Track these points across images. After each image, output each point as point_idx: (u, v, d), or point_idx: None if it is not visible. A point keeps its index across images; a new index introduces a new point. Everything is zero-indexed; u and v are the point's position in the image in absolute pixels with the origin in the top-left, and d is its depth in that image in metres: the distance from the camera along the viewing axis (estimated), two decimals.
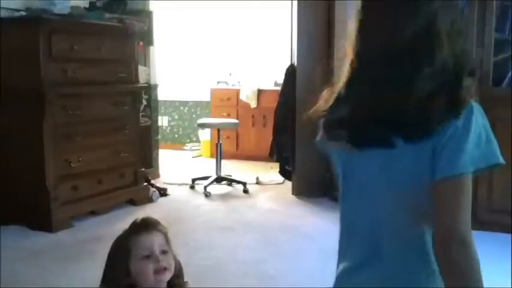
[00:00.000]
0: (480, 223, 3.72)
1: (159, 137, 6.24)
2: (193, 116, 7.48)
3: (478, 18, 3.65)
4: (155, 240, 1.51)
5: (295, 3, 4.84)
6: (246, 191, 5.11)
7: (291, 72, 4.93)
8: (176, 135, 7.64)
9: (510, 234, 3.59)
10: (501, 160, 1.04)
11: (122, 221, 4.10)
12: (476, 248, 0.99)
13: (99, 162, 4.23)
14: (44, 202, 3.82)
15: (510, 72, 3.69)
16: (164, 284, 1.51)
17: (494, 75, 3.68)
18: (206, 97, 7.13)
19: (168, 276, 1.50)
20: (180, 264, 1.58)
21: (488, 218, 3.73)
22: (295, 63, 4.86)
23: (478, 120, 1.04)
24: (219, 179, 5.27)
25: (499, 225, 3.69)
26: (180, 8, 7.23)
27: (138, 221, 1.58)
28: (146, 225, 1.55)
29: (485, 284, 1.00)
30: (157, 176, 5.57)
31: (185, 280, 1.61)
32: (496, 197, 3.74)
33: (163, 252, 1.51)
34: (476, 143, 1.02)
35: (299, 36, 4.80)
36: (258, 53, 6.97)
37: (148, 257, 1.48)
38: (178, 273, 1.56)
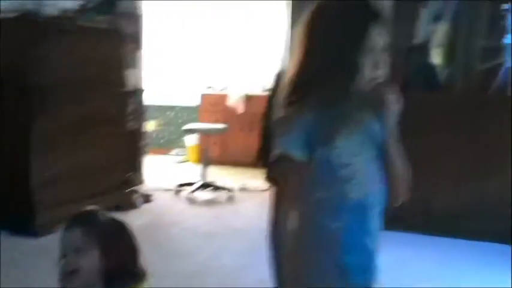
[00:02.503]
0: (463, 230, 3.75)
1: (146, 141, 6.18)
2: (180, 121, 7.43)
3: (467, 25, 3.67)
4: (67, 239, 1.39)
5: (290, 7, 4.81)
6: (231, 197, 5.07)
7: (280, 77, 4.90)
8: (162, 140, 7.58)
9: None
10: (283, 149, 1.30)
11: None
12: None
13: (84, 166, 4.17)
14: (28, 206, 3.75)
15: (497, 80, 3.71)
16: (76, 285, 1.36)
17: (481, 83, 3.70)
18: (194, 102, 7.09)
19: (78, 279, 1.36)
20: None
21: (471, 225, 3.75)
22: (285, 69, 4.83)
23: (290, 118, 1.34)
24: (204, 185, 5.23)
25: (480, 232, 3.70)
26: (169, 11, 7.20)
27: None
28: (71, 220, 1.42)
29: None
30: (142, 181, 5.51)
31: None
32: (481, 203, 3.75)
33: (77, 250, 1.36)
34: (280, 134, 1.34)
35: (289, 41, 4.78)
36: (247, 57, 6.96)
37: (64, 256, 1.38)
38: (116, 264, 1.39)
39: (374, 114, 1.36)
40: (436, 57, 3.86)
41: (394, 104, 1.33)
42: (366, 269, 1.35)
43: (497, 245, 3.62)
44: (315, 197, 1.31)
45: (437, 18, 3.84)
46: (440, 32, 3.82)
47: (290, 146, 1.29)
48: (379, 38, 1.31)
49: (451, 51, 3.82)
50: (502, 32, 3.71)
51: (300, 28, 1.36)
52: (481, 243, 3.67)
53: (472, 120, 3.75)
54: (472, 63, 3.69)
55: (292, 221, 1.35)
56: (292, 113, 1.30)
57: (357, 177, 1.31)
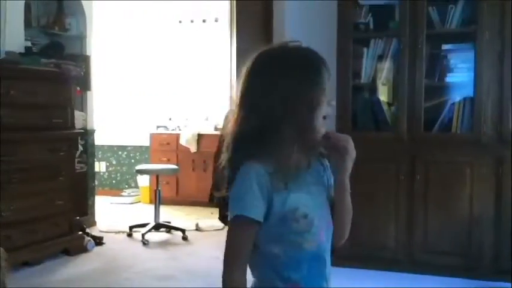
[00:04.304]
0: (416, 264, 3.81)
1: (96, 183, 6.08)
2: (132, 161, 7.36)
3: (409, 65, 3.80)
4: None
5: (234, 49, 4.91)
6: (185, 238, 5.01)
7: (230, 116, 4.95)
8: (114, 181, 7.47)
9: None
10: (238, 213, 1.29)
11: (54, 272, 3.94)
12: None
13: (32, 210, 4.06)
14: None
15: (441, 117, 3.84)
16: None
17: (426, 120, 3.82)
18: (145, 142, 7.05)
19: None
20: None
21: (424, 260, 3.82)
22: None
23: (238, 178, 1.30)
24: (157, 226, 5.16)
25: (434, 266, 3.77)
26: (118, 52, 7.20)
27: None
28: None
29: None
30: (93, 224, 5.41)
31: None
32: (431, 238, 3.83)
33: None
34: (234, 197, 1.30)
35: (238, 81, 4.84)
36: (198, 97, 7.00)
37: None
38: None
39: (329, 161, 1.41)
40: (382, 96, 3.98)
41: (351, 150, 1.37)
42: None
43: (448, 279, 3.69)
44: (272, 252, 1.32)
45: (380, 57, 3.97)
46: (384, 71, 3.95)
47: (247, 210, 1.28)
48: (327, 80, 1.34)
49: (395, 89, 3.94)
50: (444, 71, 3.86)
51: (244, 81, 1.37)
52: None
53: (421, 156, 3.86)
54: (416, 101, 3.81)
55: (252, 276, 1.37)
56: (246, 172, 1.30)
57: (313, 227, 1.32)
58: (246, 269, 1.33)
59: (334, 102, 1.37)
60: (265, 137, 1.30)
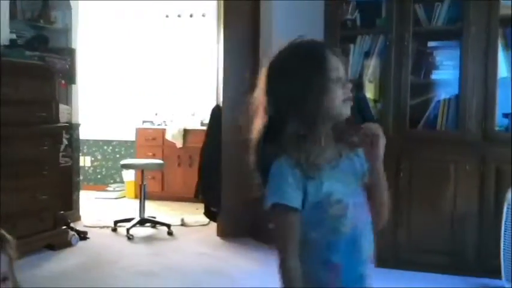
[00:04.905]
0: (401, 261, 3.83)
1: (81, 177, 6.04)
2: (118, 155, 7.32)
3: (395, 62, 3.82)
4: None
5: (221, 44, 4.90)
6: (170, 233, 5.00)
7: (216, 112, 4.95)
8: (99, 176, 7.42)
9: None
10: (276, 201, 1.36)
11: (37, 267, 3.90)
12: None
13: (15, 205, 4.01)
14: None
15: (426, 115, 3.86)
16: None
17: (411, 117, 3.84)
18: (131, 136, 7.01)
19: None
20: None
21: (409, 258, 3.84)
22: (221, 104, 4.88)
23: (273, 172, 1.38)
24: (142, 221, 5.14)
25: (419, 263, 3.79)
26: (104, 46, 7.15)
27: None
28: None
29: None
30: (77, 218, 5.37)
31: None
32: (415, 235, 3.85)
33: (4, 279, 1.39)
34: (271, 188, 1.38)
35: (225, 77, 4.84)
36: (184, 92, 6.97)
37: None
38: None
39: (360, 150, 1.47)
40: (368, 92, 3.99)
41: (382, 138, 1.44)
42: None
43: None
44: (310, 237, 1.38)
45: (366, 54, 3.98)
46: (371, 67, 3.96)
47: (285, 198, 1.35)
48: (338, 65, 1.40)
49: (381, 86, 3.95)
50: (430, 68, 3.88)
51: (261, 87, 1.43)
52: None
53: (406, 153, 3.88)
54: (402, 98, 3.83)
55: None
56: (279, 165, 1.37)
57: (348, 212, 1.38)
58: (298, 255, 1.37)
59: (350, 84, 1.42)
60: (284, 135, 1.38)
